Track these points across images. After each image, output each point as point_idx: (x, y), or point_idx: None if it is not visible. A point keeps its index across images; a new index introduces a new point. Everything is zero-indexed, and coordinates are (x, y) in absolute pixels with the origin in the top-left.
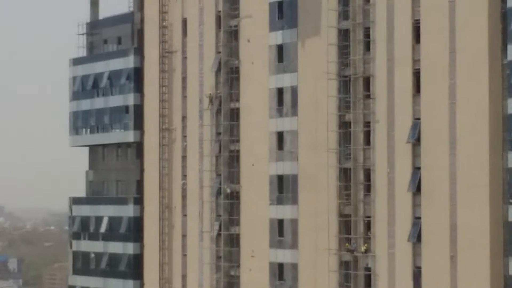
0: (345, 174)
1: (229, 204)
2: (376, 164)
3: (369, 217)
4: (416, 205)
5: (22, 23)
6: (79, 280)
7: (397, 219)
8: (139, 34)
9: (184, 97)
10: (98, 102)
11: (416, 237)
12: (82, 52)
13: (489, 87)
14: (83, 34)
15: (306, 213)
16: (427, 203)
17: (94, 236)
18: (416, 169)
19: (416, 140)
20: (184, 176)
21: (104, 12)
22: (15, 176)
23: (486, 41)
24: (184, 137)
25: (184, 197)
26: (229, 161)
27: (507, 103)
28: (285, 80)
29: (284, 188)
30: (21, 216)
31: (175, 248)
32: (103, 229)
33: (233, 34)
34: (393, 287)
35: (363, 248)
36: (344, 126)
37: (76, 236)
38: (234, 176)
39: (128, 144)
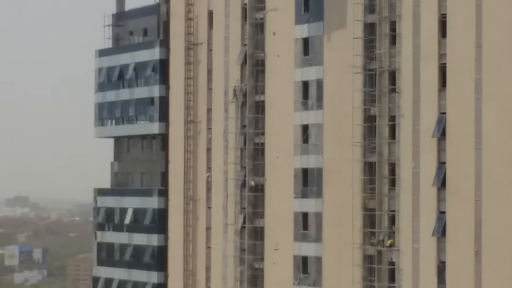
0: (369, 168)
1: (253, 197)
2: (401, 158)
3: (393, 211)
4: (441, 199)
5: (49, 15)
6: (103, 271)
7: (422, 214)
8: (165, 26)
9: (209, 89)
10: (124, 94)
11: (441, 232)
12: (108, 44)
13: None
14: (109, 25)
15: (331, 207)
16: (452, 198)
17: (118, 228)
18: (441, 164)
19: (441, 135)
20: (209, 169)
21: (130, 3)
22: (40, 167)
23: None
24: (209, 129)
25: (208, 189)
26: (254, 154)
27: None
28: (311, 73)
29: (308, 181)
30: (46, 206)
31: (199, 240)
32: (127, 220)
33: (259, 27)
34: (417, 281)
35: (388, 243)
36: (369, 120)
37: (101, 227)
38: (258, 169)
39: (153, 136)
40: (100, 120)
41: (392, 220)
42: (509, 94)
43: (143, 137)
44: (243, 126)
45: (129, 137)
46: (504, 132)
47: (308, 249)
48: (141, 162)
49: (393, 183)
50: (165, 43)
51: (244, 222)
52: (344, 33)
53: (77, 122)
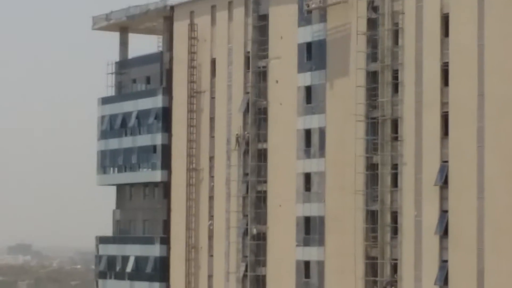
0: (372, 216)
1: (255, 245)
2: (403, 206)
3: (395, 259)
4: (443, 248)
5: (52, 61)
6: None
7: (424, 262)
8: (168, 74)
9: (212, 137)
10: (126, 141)
11: (443, 281)
12: (111, 91)
13: None
14: (112, 73)
15: (333, 255)
16: (454, 246)
17: (120, 276)
18: (444, 212)
19: (443, 183)
20: (211, 217)
21: (133, 51)
22: (42, 214)
23: None
24: (212, 177)
25: (210, 237)
26: (256, 202)
27: None
28: (313, 122)
29: (311, 229)
30: (48, 254)
31: None
32: (129, 268)
33: (262, 75)
34: None
35: None
36: (372, 168)
37: (102, 275)
38: (261, 217)
39: (155, 184)
40: (103, 167)
41: (394, 268)
42: (511, 142)
43: (145, 185)
44: (246, 174)
45: (131, 184)
46: (507, 181)
47: None
48: (143, 210)
49: (395, 231)
50: (168, 91)
51: (246, 271)
52: (347, 81)
53: (79, 169)
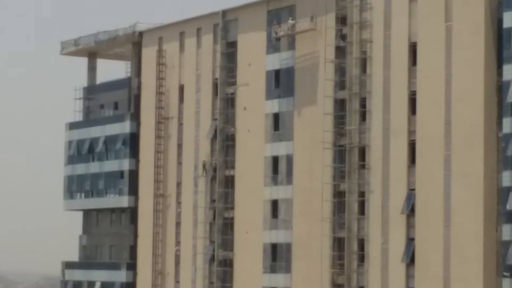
0: (339, 244)
1: (222, 272)
2: (370, 234)
3: (362, 287)
4: (409, 276)
5: (18, 86)
6: None
7: None
8: (136, 100)
9: (179, 163)
10: (93, 167)
11: None
12: (79, 117)
13: (484, 160)
14: (79, 98)
15: (299, 282)
16: (420, 274)
17: None
18: (410, 240)
19: (410, 211)
20: (178, 243)
21: (101, 77)
22: (8, 239)
23: (481, 113)
24: (179, 203)
25: (177, 263)
26: (223, 228)
27: (502, 176)
28: (281, 149)
29: (277, 256)
30: (14, 279)
31: None
32: None
33: (230, 102)
34: None
35: None
36: (339, 195)
37: None
38: (227, 244)
39: (122, 209)
40: (69, 193)
41: None
42: (477, 171)
43: (112, 210)
44: (213, 201)
45: (98, 210)
46: (473, 209)
47: None
48: (110, 235)
49: (362, 259)
50: (135, 117)
51: None
52: (315, 109)
53: (45, 194)
